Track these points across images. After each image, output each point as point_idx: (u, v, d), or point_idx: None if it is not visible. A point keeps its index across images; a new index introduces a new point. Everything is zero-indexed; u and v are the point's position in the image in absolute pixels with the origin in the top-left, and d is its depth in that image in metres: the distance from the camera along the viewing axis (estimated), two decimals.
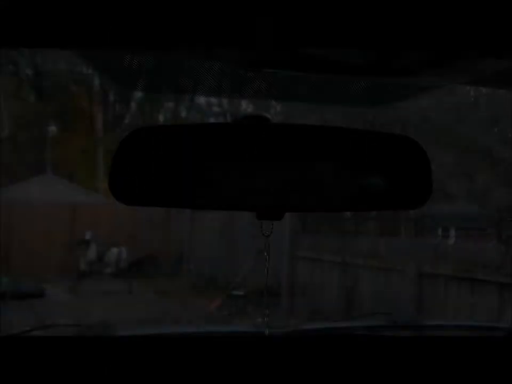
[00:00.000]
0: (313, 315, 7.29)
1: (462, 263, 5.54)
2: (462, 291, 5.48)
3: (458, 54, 0.86)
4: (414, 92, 1.18)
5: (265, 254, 1.09)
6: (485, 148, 7.20)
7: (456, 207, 8.55)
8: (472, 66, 0.90)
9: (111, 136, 17.55)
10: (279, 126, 1.03)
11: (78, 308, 8.21)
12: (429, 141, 7.52)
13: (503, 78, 1.02)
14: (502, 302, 4.99)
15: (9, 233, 10.68)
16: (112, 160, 0.88)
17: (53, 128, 15.44)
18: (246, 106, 11.34)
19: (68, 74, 18.04)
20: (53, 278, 10.58)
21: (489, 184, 7.05)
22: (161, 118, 20.44)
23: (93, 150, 17.38)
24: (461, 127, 7.57)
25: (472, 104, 7.99)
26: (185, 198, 0.92)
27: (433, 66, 0.90)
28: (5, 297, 7.64)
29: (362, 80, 1.13)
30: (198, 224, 11.53)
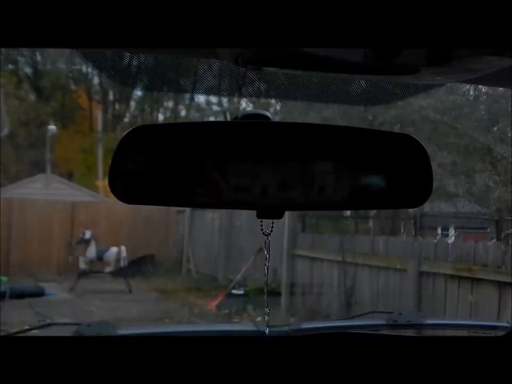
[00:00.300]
0: (313, 314, 7.30)
1: (461, 262, 5.53)
2: (461, 290, 5.48)
3: (458, 52, 0.85)
4: (414, 90, 1.18)
5: (265, 252, 1.08)
6: (484, 146, 7.20)
7: (456, 206, 8.55)
8: (473, 65, 0.90)
9: (110, 135, 17.54)
10: (279, 124, 1.03)
11: (78, 307, 8.22)
12: (427, 139, 7.52)
13: (504, 76, 1.01)
14: (501, 301, 4.99)
15: (8, 232, 10.68)
16: (112, 158, 0.87)
17: (52, 127, 15.43)
18: (246, 105, 11.36)
19: (68, 73, 18.05)
20: (53, 277, 10.58)
21: (489, 183, 7.04)
22: (160, 117, 20.46)
23: (93, 149, 17.39)
24: (460, 125, 7.56)
25: (472, 102, 7.99)
26: (185, 197, 0.91)
27: (433, 65, 0.90)
28: (5, 296, 7.64)
29: (363, 79, 1.13)
30: (198, 222, 11.52)
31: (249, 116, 0.95)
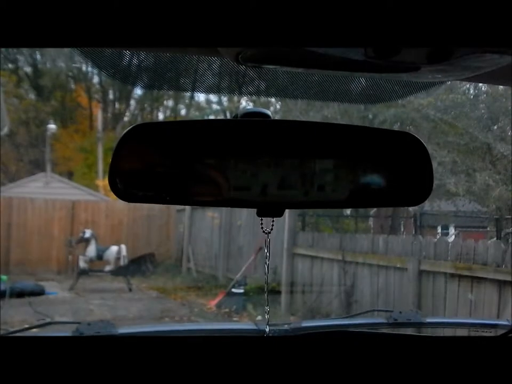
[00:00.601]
0: (313, 312, 7.30)
1: (461, 261, 5.53)
2: (461, 288, 5.48)
3: (458, 50, 0.85)
4: (414, 88, 1.18)
5: (266, 251, 1.08)
6: (484, 145, 7.20)
7: (456, 205, 8.55)
8: (473, 63, 0.90)
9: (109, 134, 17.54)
10: (279, 122, 1.02)
11: (78, 306, 8.22)
12: (427, 137, 7.52)
13: (504, 74, 1.01)
14: (501, 300, 4.99)
15: (8, 231, 10.68)
16: (112, 157, 0.87)
17: (52, 126, 15.42)
18: (246, 104, 11.36)
19: (68, 71, 18.05)
20: (53, 276, 10.59)
21: (489, 181, 7.04)
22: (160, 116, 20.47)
23: (93, 148, 17.39)
24: (460, 123, 7.56)
25: (472, 100, 7.99)
26: (185, 195, 0.91)
27: (433, 63, 0.90)
28: (5, 295, 7.64)
29: (363, 77, 1.13)
30: (198, 221, 11.52)
31: (249, 114, 0.94)
